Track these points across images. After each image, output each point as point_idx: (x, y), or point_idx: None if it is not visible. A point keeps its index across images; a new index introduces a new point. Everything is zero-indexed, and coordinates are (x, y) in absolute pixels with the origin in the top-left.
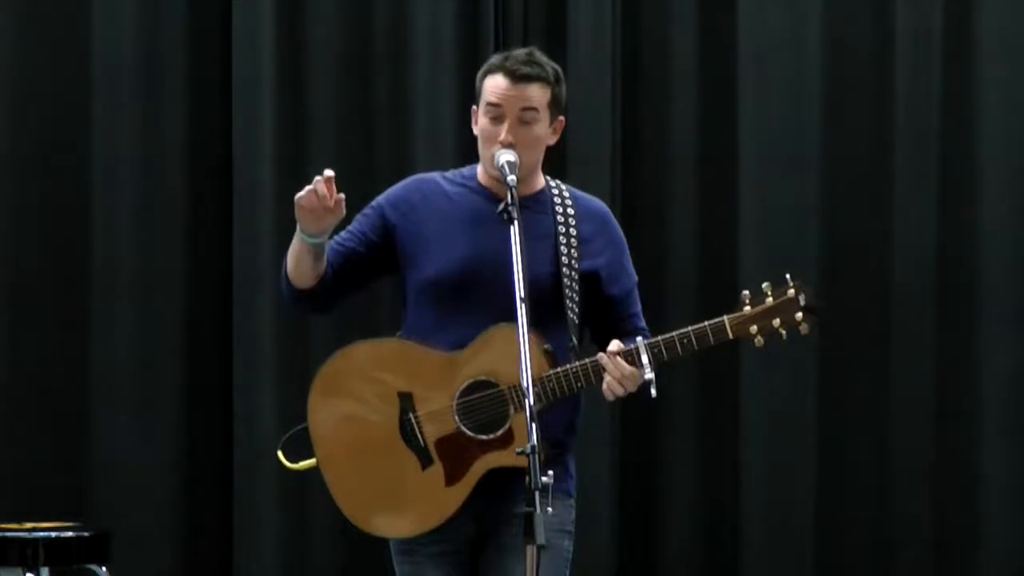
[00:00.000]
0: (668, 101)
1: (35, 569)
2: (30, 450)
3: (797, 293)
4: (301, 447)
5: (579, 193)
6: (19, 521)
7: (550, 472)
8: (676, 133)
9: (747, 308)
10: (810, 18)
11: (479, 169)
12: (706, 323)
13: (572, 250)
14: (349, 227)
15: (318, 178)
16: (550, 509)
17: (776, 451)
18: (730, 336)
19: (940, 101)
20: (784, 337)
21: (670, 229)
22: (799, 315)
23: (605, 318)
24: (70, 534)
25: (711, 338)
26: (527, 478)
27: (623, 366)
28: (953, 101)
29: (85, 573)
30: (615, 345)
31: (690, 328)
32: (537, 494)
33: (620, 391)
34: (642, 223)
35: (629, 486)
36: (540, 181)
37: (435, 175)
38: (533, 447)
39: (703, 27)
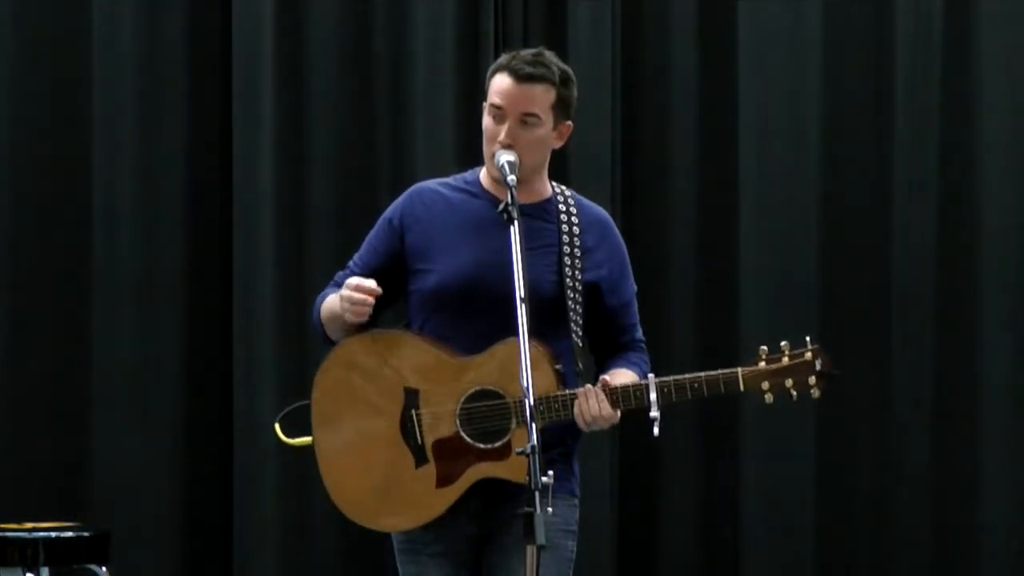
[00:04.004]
0: (668, 101)
1: (35, 569)
2: (30, 450)
3: (814, 357)
4: (299, 424)
5: (584, 201)
6: (19, 521)
7: (550, 472)
8: (676, 133)
9: (762, 364)
10: (810, 18)
11: (482, 172)
12: (719, 372)
13: (576, 261)
14: (360, 254)
15: (365, 293)
16: (550, 509)
17: (776, 451)
18: (741, 388)
19: (940, 101)
20: (795, 398)
21: (670, 229)
22: (812, 379)
23: (603, 328)
24: (70, 534)
25: (722, 387)
26: (527, 478)
27: (604, 407)
28: (953, 101)
29: (85, 573)
30: (600, 383)
31: (702, 374)
32: (537, 494)
33: (585, 426)
34: (642, 223)
35: (629, 486)
36: (547, 188)
37: (434, 183)
38: (533, 447)
39: (703, 27)
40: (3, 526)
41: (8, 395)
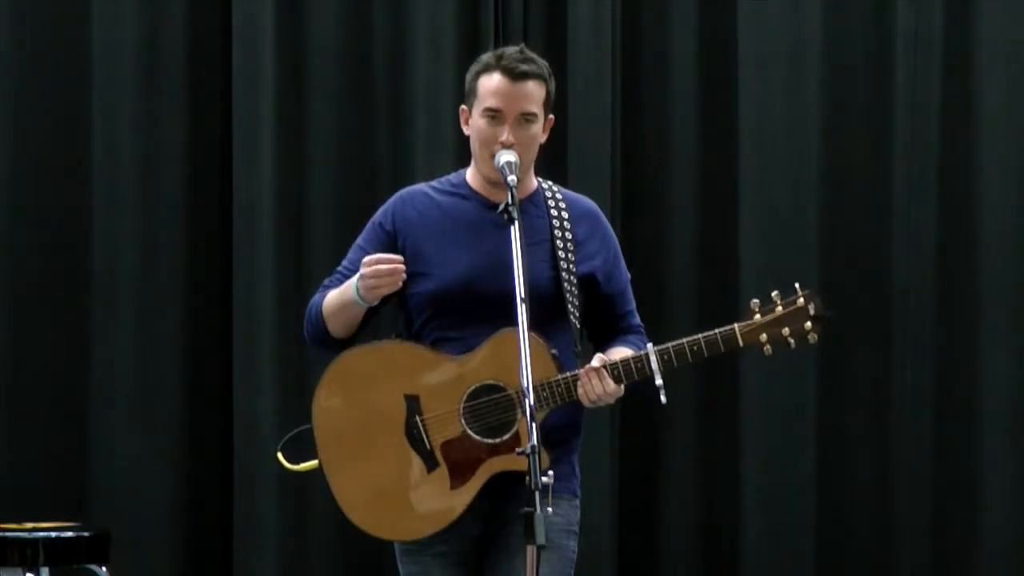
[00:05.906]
0: (668, 101)
1: (35, 569)
2: (30, 450)
3: (807, 302)
4: (301, 448)
5: (570, 194)
6: (19, 521)
7: (550, 472)
8: (676, 133)
9: (757, 316)
10: (810, 18)
11: (468, 173)
12: (716, 331)
13: (569, 254)
14: (350, 258)
15: (394, 264)
16: (550, 509)
17: (776, 451)
18: (740, 344)
19: (940, 102)
20: (793, 346)
21: (670, 229)
22: (808, 324)
23: (601, 317)
24: (70, 534)
25: (721, 345)
26: (527, 478)
27: (607, 384)
28: (953, 103)
29: (85, 573)
30: (598, 360)
31: (700, 335)
32: (537, 494)
33: (590, 404)
34: (642, 222)
35: (629, 486)
36: (533, 183)
37: (421, 188)
38: (533, 447)
39: (703, 27)
40: (3, 526)
41: (8, 395)
